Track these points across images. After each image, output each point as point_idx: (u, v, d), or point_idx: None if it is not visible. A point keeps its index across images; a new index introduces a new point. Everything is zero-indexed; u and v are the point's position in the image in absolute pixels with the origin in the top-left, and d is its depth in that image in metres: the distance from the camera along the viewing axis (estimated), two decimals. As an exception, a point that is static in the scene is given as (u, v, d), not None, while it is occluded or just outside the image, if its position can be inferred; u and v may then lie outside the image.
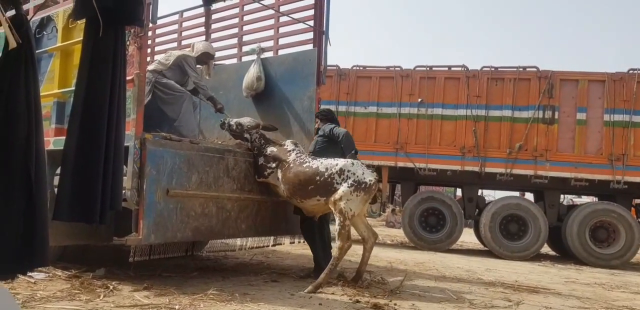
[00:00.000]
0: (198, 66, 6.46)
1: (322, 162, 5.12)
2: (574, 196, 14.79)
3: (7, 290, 0.57)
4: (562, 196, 10.83)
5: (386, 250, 9.52)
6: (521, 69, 10.22)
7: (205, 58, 6.48)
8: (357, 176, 4.92)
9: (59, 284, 4.34)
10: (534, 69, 10.15)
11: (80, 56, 2.74)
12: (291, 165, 5.22)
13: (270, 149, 5.43)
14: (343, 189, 4.87)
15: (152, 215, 4.38)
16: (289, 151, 5.37)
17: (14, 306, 0.51)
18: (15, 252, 2.26)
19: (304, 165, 5.15)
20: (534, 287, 5.94)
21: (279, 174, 5.28)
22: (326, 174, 4.99)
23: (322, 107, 6.40)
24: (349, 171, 4.95)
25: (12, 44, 2.18)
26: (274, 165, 5.34)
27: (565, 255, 10.39)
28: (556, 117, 9.92)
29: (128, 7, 2.69)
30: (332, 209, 4.91)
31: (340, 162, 5.05)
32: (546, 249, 11.22)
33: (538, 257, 9.93)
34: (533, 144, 9.93)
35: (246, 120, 5.71)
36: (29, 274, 4.30)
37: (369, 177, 4.96)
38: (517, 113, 10.08)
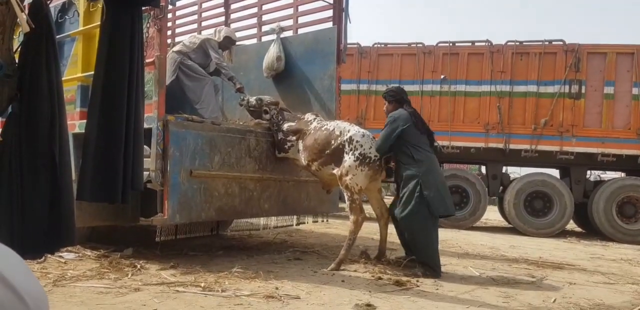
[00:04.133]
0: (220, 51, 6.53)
1: (337, 124, 5.09)
2: (601, 172, 14.53)
3: (11, 250, 0.59)
4: (588, 172, 10.66)
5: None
6: (547, 43, 9.96)
7: (228, 43, 6.58)
8: (365, 149, 4.83)
9: (88, 263, 4.45)
10: (560, 43, 9.88)
11: (99, 39, 2.76)
12: (311, 131, 5.20)
13: (289, 124, 5.43)
14: (349, 162, 4.81)
15: (177, 195, 4.46)
16: (309, 121, 5.36)
17: (20, 264, 0.53)
18: (43, 233, 2.34)
19: (322, 129, 5.13)
20: (559, 264, 5.91)
21: (300, 146, 5.26)
22: (339, 139, 4.92)
23: (343, 86, 6.35)
24: (357, 142, 4.85)
25: (25, 28, 2.22)
26: (294, 138, 5.32)
27: (591, 231, 10.28)
28: (583, 91, 9.69)
29: None
30: (339, 183, 4.91)
31: (352, 129, 4.98)
32: (572, 226, 11.11)
33: (563, 234, 9.84)
34: (559, 120, 9.74)
35: (266, 97, 5.76)
36: (60, 254, 4.46)
37: (375, 152, 4.87)
38: (542, 88, 9.87)
